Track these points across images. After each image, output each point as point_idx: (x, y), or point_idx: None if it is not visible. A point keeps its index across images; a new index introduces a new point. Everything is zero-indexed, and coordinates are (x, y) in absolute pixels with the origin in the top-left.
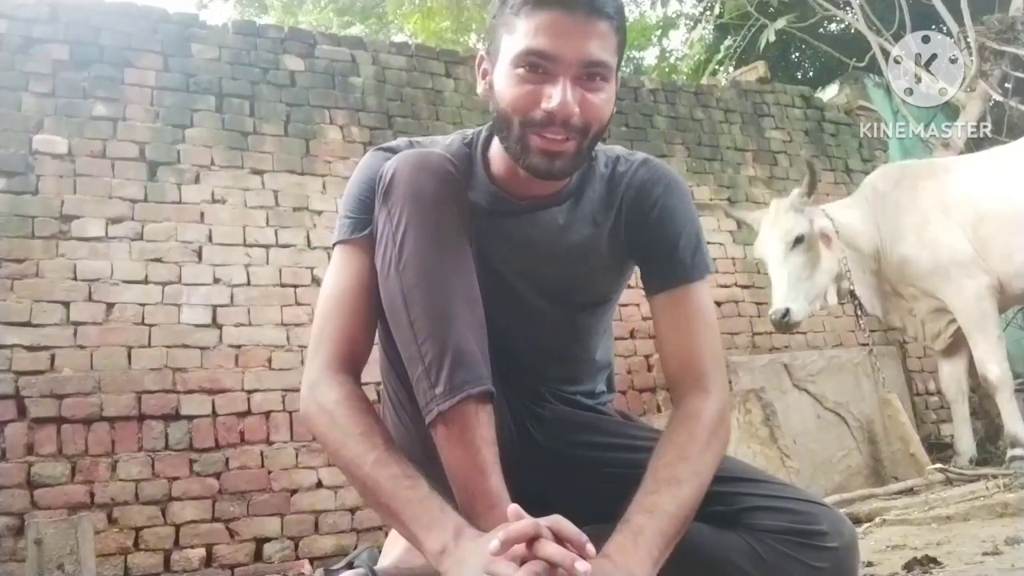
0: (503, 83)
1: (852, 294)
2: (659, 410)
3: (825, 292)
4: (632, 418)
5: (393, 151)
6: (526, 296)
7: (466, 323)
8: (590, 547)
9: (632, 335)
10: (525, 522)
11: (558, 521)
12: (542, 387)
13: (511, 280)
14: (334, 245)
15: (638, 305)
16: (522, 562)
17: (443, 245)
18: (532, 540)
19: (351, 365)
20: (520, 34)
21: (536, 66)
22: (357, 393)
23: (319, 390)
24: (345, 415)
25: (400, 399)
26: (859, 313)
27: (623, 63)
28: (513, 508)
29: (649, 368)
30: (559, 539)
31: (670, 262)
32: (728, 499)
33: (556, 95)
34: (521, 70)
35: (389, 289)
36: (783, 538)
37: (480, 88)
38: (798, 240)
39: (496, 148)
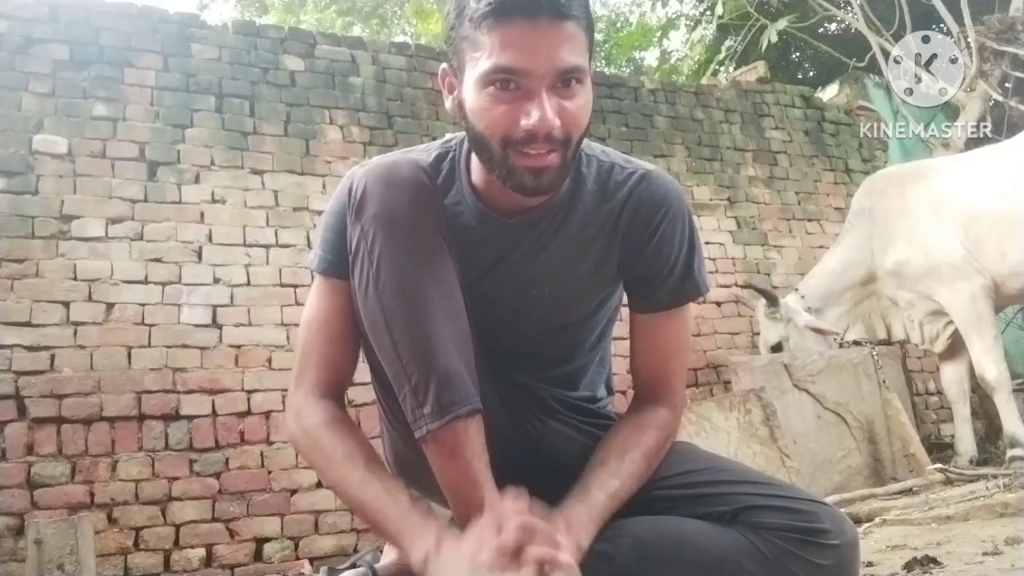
0: (475, 103)
1: (856, 343)
2: None
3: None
4: None
5: None
6: (519, 308)
7: (450, 341)
8: (559, 539)
9: None
10: (510, 535)
11: (527, 523)
12: (543, 391)
13: (501, 292)
14: (313, 272)
15: None
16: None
17: (420, 262)
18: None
19: (334, 389)
20: (485, 50)
21: (508, 82)
22: (339, 416)
23: (303, 415)
24: (328, 439)
25: (391, 407)
26: (873, 354)
27: (597, 58)
28: (500, 508)
29: None
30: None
31: (659, 288)
32: (729, 499)
33: (534, 112)
34: (492, 88)
35: (369, 310)
36: (786, 535)
37: (448, 104)
38: (776, 347)
39: (477, 160)
